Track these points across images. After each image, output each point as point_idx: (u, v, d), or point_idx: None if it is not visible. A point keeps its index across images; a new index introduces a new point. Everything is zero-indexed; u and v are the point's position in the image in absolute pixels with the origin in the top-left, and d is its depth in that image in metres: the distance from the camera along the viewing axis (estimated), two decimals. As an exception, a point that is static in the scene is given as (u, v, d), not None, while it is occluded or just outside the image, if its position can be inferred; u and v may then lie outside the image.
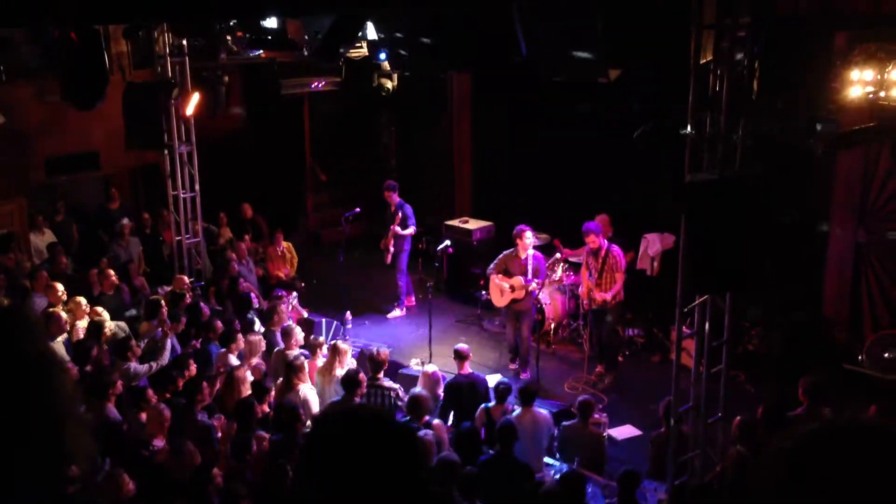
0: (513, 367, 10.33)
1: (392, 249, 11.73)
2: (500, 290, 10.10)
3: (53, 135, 12.16)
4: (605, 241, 9.71)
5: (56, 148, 12.38)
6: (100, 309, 9.19)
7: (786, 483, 1.08)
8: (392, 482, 1.39)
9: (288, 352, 8.53)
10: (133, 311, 10.02)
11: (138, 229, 12.48)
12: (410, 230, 11.78)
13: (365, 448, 1.40)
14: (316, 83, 12.03)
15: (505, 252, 10.13)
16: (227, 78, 11.90)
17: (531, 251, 9.97)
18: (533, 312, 10.17)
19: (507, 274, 10.01)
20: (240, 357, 8.48)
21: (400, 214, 11.66)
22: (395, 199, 11.77)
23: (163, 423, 6.62)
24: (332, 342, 8.97)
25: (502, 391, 7.70)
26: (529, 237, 9.91)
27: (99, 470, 5.45)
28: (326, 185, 16.08)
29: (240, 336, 8.65)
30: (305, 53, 10.16)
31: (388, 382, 8.06)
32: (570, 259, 11.07)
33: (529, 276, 9.81)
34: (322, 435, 1.47)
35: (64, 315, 8.69)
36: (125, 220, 12.21)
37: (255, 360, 8.49)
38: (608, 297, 9.58)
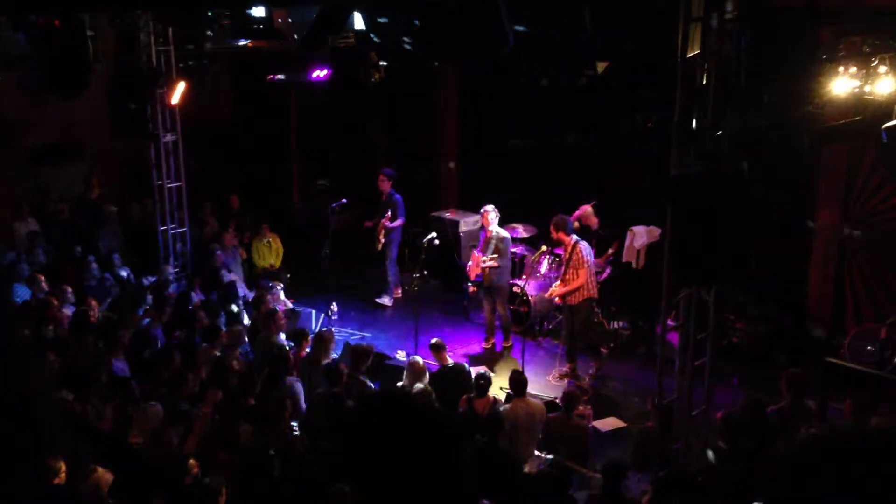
0: (486, 346, 10.61)
1: (382, 240, 11.78)
2: (470, 262, 10.60)
3: (37, 124, 12.03)
4: (574, 237, 9.65)
5: (39, 137, 12.25)
6: (94, 303, 9.08)
7: (787, 491, 1.08)
8: (433, 467, 1.41)
9: (272, 338, 8.47)
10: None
11: (125, 218, 12.38)
12: (399, 221, 11.81)
13: (411, 433, 1.44)
14: (310, 72, 11.83)
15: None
16: (213, 67, 11.81)
17: (497, 228, 10.39)
18: (504, 287, 10.46)
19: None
20: (222, 348, 8.42)
21: (389, 207, 11.68)
22: (388, 187, 11.80)
23: (154, 420, 6.52)
24: (317, 332, 8.94)
25: (482, 384, 7.69)
26: (491, 216, 10.37)
27: (82, 461, 5.41)
28: (313, 175, 16.00)
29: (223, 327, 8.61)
30: (295, 38, 10.07)
31: (366, 380, 8.03)
32: (557, 252, 11.06)
33: (479, 251, 10.34)
34: (370, 417, 1.48)
35: (55, 303, 8.62)
36: (112, 207, 12.07)
37: (238, 351, 8.43)
38: (559, 292, 9.66)
